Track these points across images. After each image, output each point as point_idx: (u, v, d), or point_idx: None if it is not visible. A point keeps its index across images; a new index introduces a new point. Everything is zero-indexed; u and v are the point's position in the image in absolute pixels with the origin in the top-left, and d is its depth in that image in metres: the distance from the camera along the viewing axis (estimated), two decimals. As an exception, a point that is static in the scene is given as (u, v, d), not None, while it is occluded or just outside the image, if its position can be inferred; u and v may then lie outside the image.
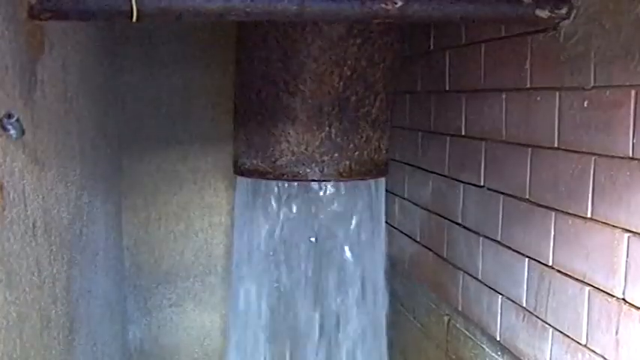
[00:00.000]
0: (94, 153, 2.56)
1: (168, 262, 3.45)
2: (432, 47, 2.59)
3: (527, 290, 1.93)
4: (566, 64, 1.72)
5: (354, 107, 2.42)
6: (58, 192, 1.91)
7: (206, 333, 3.53)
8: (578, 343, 1.69)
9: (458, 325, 2.43)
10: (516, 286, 1.98)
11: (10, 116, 1.35)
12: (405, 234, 2.91)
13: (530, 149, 1.90)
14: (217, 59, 3.24)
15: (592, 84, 1.62)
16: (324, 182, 2.60)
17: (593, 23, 1.61)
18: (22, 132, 1.39)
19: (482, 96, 2.19)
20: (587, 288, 1.65)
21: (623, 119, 1.51)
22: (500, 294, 2.08)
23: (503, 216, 2.06)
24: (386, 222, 2.97)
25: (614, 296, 1.55)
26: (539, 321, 1.86)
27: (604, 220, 1.58)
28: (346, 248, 2.80)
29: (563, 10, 1.71)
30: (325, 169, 2.42)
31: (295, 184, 2.64)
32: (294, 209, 2.71)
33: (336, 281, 2.86)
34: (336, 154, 2.42)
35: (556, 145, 1.77)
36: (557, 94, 1.76)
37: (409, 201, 2.86)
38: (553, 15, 1.71)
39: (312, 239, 2.79)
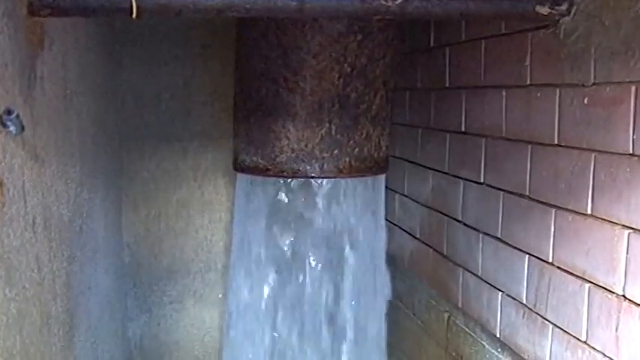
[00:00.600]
0: (94, 150, 2.56)
1: (168, 258, 3.45)
2: (432, 44, 2.58)
3: (527, 287, 1.93)
4: (567, 60, 1.72)
5: (354, 104, 2.42)
6: (58, 189, 1.91)
7: (206, 330, 3.53)
8: (578, 339, 1.69)
9: (458, 322, 2.43)
10: (516, 282, 1.98)
11: (9, 112, 1.35)
12: (405, 230, 2.92)
13: (530, 146, 1.90)
14: (217, 56, 3.24)
15: (592, 81, 1.62)
16: (323, 179, 2.60)
17: (594, 20, 1.61)
18: (22, 128, 1.39)
19: (482, 93, 2.19)
20: (587, 285, 1.65)
21: (623, 116, 1.51)
22: (501, 290, 2.08)
23: (503, 213, 2.06)
24: (386, 219, 2.97)
25: (614, 293, 1.55)
26: (539, 317, 1.87)
27: (604, 217, 1.58)
28: (346, 245, 2.79)
29: (564, 7, 1.71)
30: (325, 166, 2.42)
31: (295, 180, 2.63)
32: (294, 206, 2.71)
33: (336, 278, 2.85)
34: (336, 151, 2.42)
35: (556, 142, 1.77)
36: (558, 90, 1.76)
37: (409, 198, 2.86)
38: (553, 11, 1.71)
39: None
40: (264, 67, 2.44)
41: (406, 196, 2.89)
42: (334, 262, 2.79)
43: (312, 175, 2.45)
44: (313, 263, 2.78)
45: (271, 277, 2.81)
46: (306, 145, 2.40)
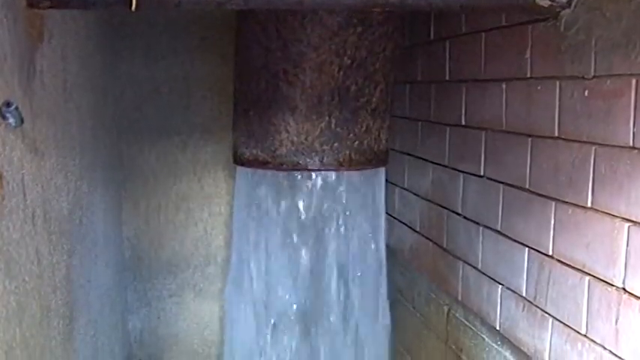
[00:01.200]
0: (94, 143, 2.56)
1: (167, 252, 3.45)
2: (432, 37, 2.58)
3: (527, 280, 1.93)
4: (567, 53, 1.71)
5: (353, 97, 2.42)
6: (58, 182, 1.91)
7: (205, 323, 3.53)
8: (577, 332, 1.69)
9: (457, 315, 2.43)
10: (516, 275, 1.98)
11: (8, 105, 1.35)
12: (405, 224, 2.91)
13: (530, 139, 1.89)
14: (216, 49, 3.24)
15: (592, 73, 1.62)
16: (323, 172, 2.60)
17: (594, 12, 1.61)
18: (21, 121, 1.39)
19: (482, 86, 2.18)
20: (587, 277, 1.65)
21: (623, 108, 1.51)
22: (500, 284, 2.08)
23: (503, 206, 2.06)
24: (386, 212, 2.96)
25: (613, 286, 1.55)
26: (538, 310, 1.86)
27: (604, 210, 1.58)
28: (345, 237, 2.79)
29: (564, -1, 1.70)
30: (325, 159, 2.42)
31: (295, 173, 2.63)
32: (294, 199, 2.70)
33: (336, 271, 2.86)
34: (336, 144, 2.41)
35: (556, 135, 1.77)
36: (558, 83, 1.76)
37: (409, 191, 2.86)
38: (554, 4, 1.71)
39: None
40: (263, 60, 2.44)
41: (406, 190, 2.89)
42: (334, 255, 2.79)
43: (312, 168, 2.45)
44: (313, 255, 2.78)
45: (272, 270, 2.81)
46: (306, 138, 2.40)
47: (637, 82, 1.47)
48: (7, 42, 1.44)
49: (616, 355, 1.55)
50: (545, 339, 1.84)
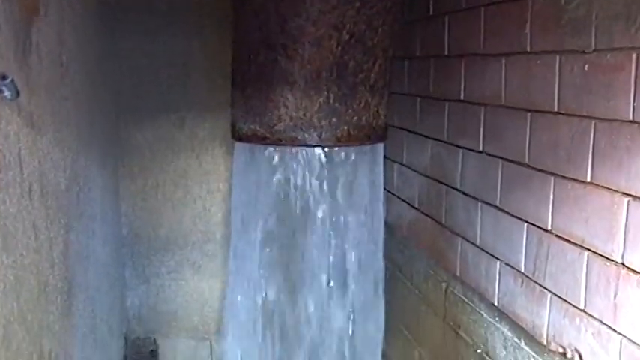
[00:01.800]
0: (91, 119, 2.55)
1: (166, 229, 3.45)
2: (431, 12, 2.56)
3: (525, 255, 1.92)
4: (567, 27, 1.70)
5: (352, 72, 2.40)
6: (54, 157, 1.90)
7: (204, 300, 3.53)
8: (576, 307, 1.69)
9: (456, 291, 2.43)
10: (515, 251, 1.97)
11: (4, 77, 1.34)
12: (404, 200, 2.91)
13: (529, 114, 1.88)
14: (214, 25, 3.22)
15: (593, 47, 1.60)
16: (322, 147, 2.59)
17: (595, -15, 1.59)
18: (17, 93, 1.38)
19: (481, 61, 2.17)
20: (586, 252, 1.64)
21: (623, 83, 1.49)
22: (499, 259, 2.08)
23: (502, 181, 2.05)
24: (384, 189, 2.96)
25: (612, 260, 1.55)
26: (537, 286, 1.86)
27: (603, 185, 1.57)
28: (344, 214, 2.79)
29: (565, -28, 1.69)
30: (323, 135, 2.41)
31: (293, 149, 2.62)
32: (292, 175, 2.69)
33: (334, 248, 2.85)
34: (334, 120, 2.40)
35: (556, 110, 1.75)
36: (558, 57, 1.74)
37: (408, 167, 2.85)
38: (554, -23, 1.69)
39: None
40: (262, 35, 2.42)
41: (405, 166, 2.88)
42: (332, 231, 2.78)
43: (310, 143, 2.44)
44: (312, 232, 2.77)
45: (271, 242, 2.81)
46: (304, 114, 2.38)
47: (637, 56, 1.46)
48: (2, 15, 1.43)
49: (614, 330, 1.54)
50: (543, 314, 1.84)
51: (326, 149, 2.62)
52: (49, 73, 1.87)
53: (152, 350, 3.60)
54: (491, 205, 2.12)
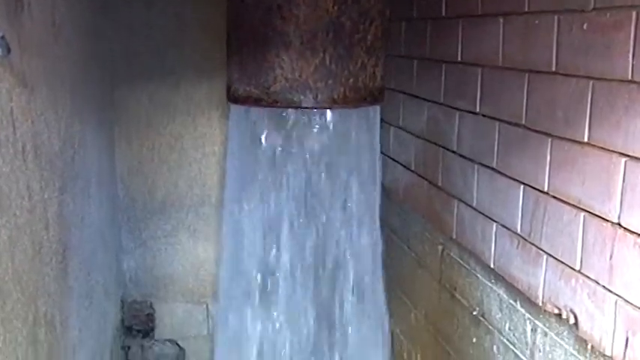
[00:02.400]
0: (85, 82, 2.53)
1: (162, 192, 3.44)
2: (428, -28, 2.54)
3: (521, 217, 1.92)
4: (566, -15, 1.68)
5: (348, 33, 2.38)
6: (48, 117, 1.89)
7: (200, 264, 3.54)
8: (572, 268, 1.68)
9: (452, 254, 2.43)
10: (511, 213, 1.97)
11: (-6, 34, 1.32)
12: (400, 163, 2.90)
13: (527, 74, 1.87)
14: (210, -14, 3.19)
15: (592, 6, 1.58)
16: (318, 109, 2.57)
17: (595, -58, 1.57)
18: (8, 50, 1.36)
19: (479, 21, 2.15)
20: (583, 214, 1.64)
21: (622, 42, 1.48)
22: (495, 221, 2.08)
23: (498, 143, 2.04)
24: (381, 152, 2.95)
25: (609, 221, 1.54)
26: (533, 247, 1.86)
27: (601, 145, 1.56)
28: (339, 177, 2.78)
29: None
30: (319, 96, 2.38)
31: (289, 110, 2.60)
32: (288, 137, 2.68)
33: (331, 211, 2.85)
34: (330, 81, 2.38)
35: (554, 70, 1.74)
36: (556, 17, 1.72)
37: (404, 130, 2.84)
38: None
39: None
40: (257, -5, 2.39)
41: (401, 129, 2.87)
42: (328, 194, 2.78)
43: (306, 105, 2.41)
44: (307, 195, 2.77)
45: (266, 206, 2.80)
46: (300, 75, 2.36)
47: (637, 14, 1.44)
48: (-8, -29, 1.41)
49: (610, 291, 1.55)
50: (539, 275, 1.84)
51: (322, 111, 2.61)
52: (41, 33, 1.85)
53: (148, 314, 3.61)
54: (487, 166, 2.11)
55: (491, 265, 2.11)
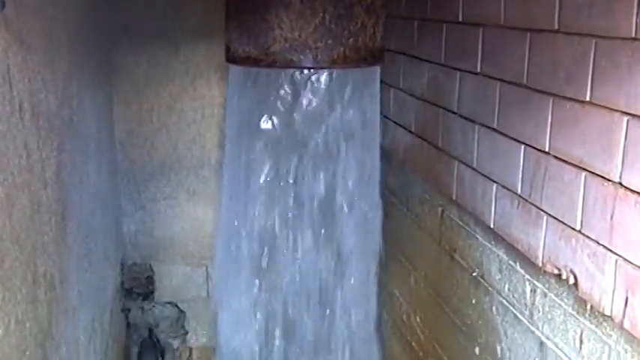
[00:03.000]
0: (83, 44, 2.51)
1: (161, 155, 3.44)
2: None
3: (522, 177, 1.91)
4: (570, -59, 1.65)
5: (348, -8, 2.35)
6: (45, 76, 1.87)
7: (199, 226, 3.54)
8: (572, 228, 1.68)
9: (452, 216, 2.43)
10: (511, 173, 1.96)
11: (-12, -12, 1.30)
12: (400, 125, 2.89)
13: (529, 33, 1.85)
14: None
15: (595, -37, 1.56)
16: (317, 69, 2.55)
17: None
18: (2, 5, 1.34)
19: (481, -20, 2.13)
20: (584, 173, 1.63)
21: (626, -2, 1.46)
22: (495, 182, 2.07)
23: (499, 103, 2.03)
24: (380, 114, 2.93)
25: (610, 181, 1.53)
26: (533, 208, 1.85)
27: (603, 104, 1.55)
28: (339, 138, 2.77)
29: None
30: (319, 56, 2.36)
31: (288, 71, 2.58)
32: (287, 97, 2.66)
33: (330, 173, 2.84)
34: (330, 41, 2.35)
35: (556, 28, 1.72)
36: (559, -26, 1.70)
37: (404, 91, 2.82)
38: None
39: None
40: (256, -46, 2.36)
41: (401, 90, 2.85)
42: (326, 154, 2.76)
43: (306, 65, 2.40)
44: (306, 156, 2.75)
45: (266, 168, 2.79)
46: (299, 35, 2.34)
47: (641, -30, 1.42)
48: None
49: (610, 250, 1.54)
50: (539, 236, 1.83)
51: (321, 71, 2.59)
52: (38, -8, 1.83)
53: (148, 277, 3.62)
54: (488, 127, 2.10)
55: (491, 226, 2.11)
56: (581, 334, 1.67)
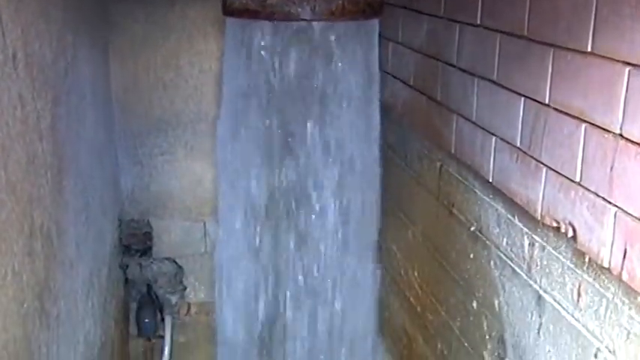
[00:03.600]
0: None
1: (158, 110, 3.42)
2: None
3: (521, 130, 1.89)
4: None
5: (347, -58, 2.32)
6: (39, 28, 1.85)
7: (197, 181, 3.53)
8: (571, 181, 1.67)
9: (450, 170, 2.42)
10: (511, 126, 1.94)
11: None
12: (399, 79, 2.86)
13: (529, -17, 1.82)
14: None
15: None
16: (315, 22, 2.52)
17: None
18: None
19: None
20: (584, 125, 1.61)
21: (630, -55, 1.43)
22: (495, 135, 2.05)
23: (499, 55, 2.00)
24: (379, 68, 2.91)
25: (611, 132, 1.52)
26: (532, 161, 1.84)
27: (605, 54, 1.53)
28: (337, 92, 2.75)
29: None
30: (317, 8, 2.34)
31: (286, 23, 2.55)
32: (284, 51, 2.63)
33: (329, 127, 2.83)
34: (329, -7, 2.34)
35: (557, -23, 1.69)
36: None
37: (403, 45, 2.79)
38: None
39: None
40: None
41: (400, 44, 2.82)
42: (325, 107, 2.75)
43: (304, 17, 2.37)
44: (304, 110, 2.74)
45: (263, 122, 2.77)
46: (297, -14, 2.31)
47: None
48: None
49: (609, 202, 1.53)
50: (538, 189, 1.82)
51: (319, 24, 2.56)
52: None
53: (146, 232, 3.62)
54: (487, 80, 2.07)
55: (490, 180, 2.10)
56: (579, 286, 1.67)
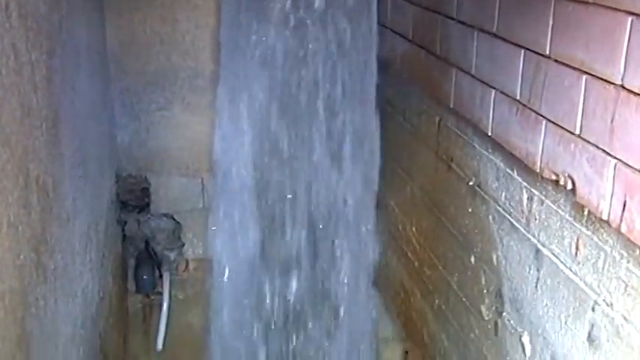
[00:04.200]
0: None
1: (154, 65, 3.38)
2: None
3: (521, 82, 1.88)
4: None
5: None
6: (32, -25, 1.82)
7: (195, 137, 3.50)
8: (571, 133, 1.65)
9: (449, 124, 2.40)
10: (511, 78, 1.92)
11: None
12: (398, 33, 2.84)
13: None
14: None
15: None
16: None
17: None
18: None
19: None
20: (585, 76, 1.59)
21: None
22: (494, 88, 2.04)
23: (499, 7, 1.98)
24: (378, 23, 2.87)
25: (612, 83, 1.50)
26: (532, 113, 1.83)
27: (607, 4, 1.50)
28: (334, 46, 2.72)
29: None
30: (315, -40, 2.31)
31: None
32: (282, 6, 2.60)
33: (327, 85, 2.80)
34: (327, -57, 2.30)
35: None
36: None
37: (402, -1, 2.77)
38: None
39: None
40: None
41: (399, -3, 2.80)
42: (323, 64, 2.72)
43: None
44: (302, 67, 2.71)
45: (262, 81, 2.75)
46: (295, -63, 2.28)
47: None
48: None
49: (609, 154, 1.52)
50: (537, 142, 1.81)
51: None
52: None
53: (144, 188, 3.60)
54: (487, 32, 2.05)
55: (489, 134, 2.09)
56: (577, 240, 1.67)
